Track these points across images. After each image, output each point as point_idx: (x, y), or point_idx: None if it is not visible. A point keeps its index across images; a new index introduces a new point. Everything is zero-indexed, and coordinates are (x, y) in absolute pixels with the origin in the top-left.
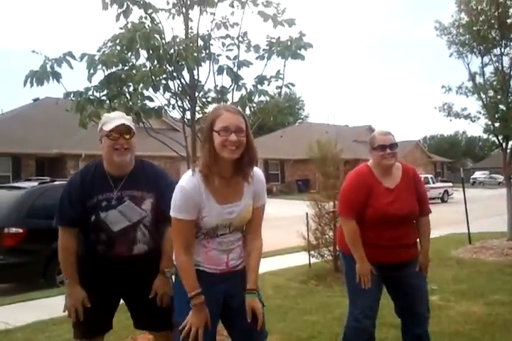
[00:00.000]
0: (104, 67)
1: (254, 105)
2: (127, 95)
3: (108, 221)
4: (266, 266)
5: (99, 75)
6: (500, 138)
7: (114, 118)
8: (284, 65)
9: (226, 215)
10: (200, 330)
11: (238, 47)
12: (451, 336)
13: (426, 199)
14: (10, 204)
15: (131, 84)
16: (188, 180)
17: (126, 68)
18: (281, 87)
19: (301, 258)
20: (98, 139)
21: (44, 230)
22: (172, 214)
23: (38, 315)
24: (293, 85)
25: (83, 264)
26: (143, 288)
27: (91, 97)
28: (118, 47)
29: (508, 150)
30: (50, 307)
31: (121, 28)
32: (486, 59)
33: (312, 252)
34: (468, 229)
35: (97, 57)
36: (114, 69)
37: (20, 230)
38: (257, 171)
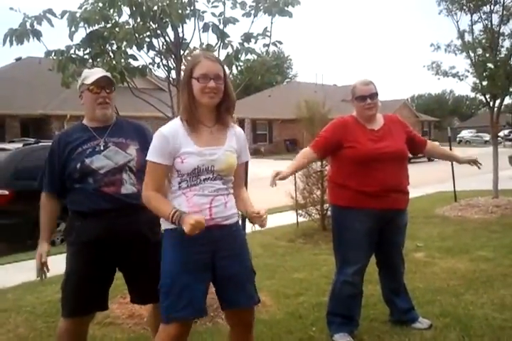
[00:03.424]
0: (85, 25)
1: (241, 64)
2: (110, 53)
3: (93, 165)
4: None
5: (81, 33)
6: (487, 96)
7: (95, 73)
8: (271, 23)
9: (207, 156)
10: (199, 218)
11: (224, 3)
12: (435, 292)
13: (417, 135)
14: None
15: (114, 42)
16: (168, 125)
17: (108, 26)
18: (268, 45)
19: (289, 218)
20: (78, 96)
21: (30, 192)
22: (147, 157)
23: (27, 276)
24: (280, 43)
25: (72, 225)
26: (140, 252)
27: (73, 56)
28: (100, 4)
29: (496, 109)
30: None
31: None
32: (476, 16)
33: (300, 211)
34: (454, 188)
35: (78, 15)
36: (96, 26)
37: (6, 192)
38: (237, 127)
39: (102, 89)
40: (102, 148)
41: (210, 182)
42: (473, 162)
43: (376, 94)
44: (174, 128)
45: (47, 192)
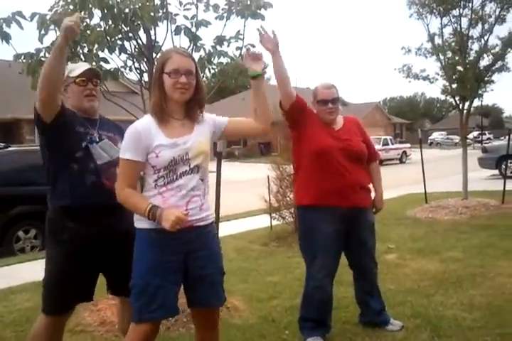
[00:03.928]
0: (56, 28)
1: (214, 67)
2: (81, 57)
3: (93, 152)
4: (227, 229)
5: (51, 36)
6: (457, 99)
7: (81, 66)
8: (244, 25)
9: (181, 145)
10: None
11: (196, 6)
12: (406, 293)
13: (372, 145)
14: None
15: (85, 45)
16: (140, 121)
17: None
18: (241, 48)
19: (263, 221)
20: (63, 89)
21: (0, 197)
22: (120, 154)
23: None
24: (253, 46)
25: (63, 224)
26: (127, 249)
27: (43, 59)
28: (71, 6)
29: (465, 111)
30: (8, 275)
31: None
32: (445, 20)
33: (273, 214)
34: (425, 189)
35: (48, 17)
36: None
37: None
38: (205, 114)
39: (88, 81)
40: (97, 138)
41: (187, 177)
42: (376, 210)
43: (337, 98)
44: (146, 123)
45: None
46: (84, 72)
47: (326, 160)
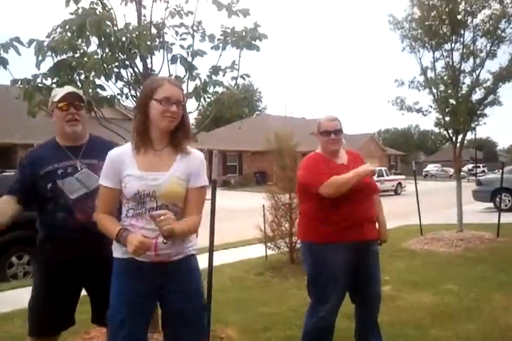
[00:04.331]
0: (53, 54)
1: (210, 96)
2: (78, 83)
3: (65, 188)
4: (223, 258)
5: (49, 62)
6: (450, 131)
7: (64, 90)
8: (239, 56)
9: (149, 181)
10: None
11: (193, 36)
12: (401, 325)
13: (373, 179)
14: None
15: (82, 71)
16: (117, 148)
17: (76, 55)
18: (236, 78)
19: (258, 250)
20: (49, 115)
21: None
22: (99, 180)
23: None
24: (248, 76)
25: (43, 246)
26: (106, 274)
27: (39, 85)
28: (68, 34)
29: (458, 144)
30: (1, 302)
31: (71, 14)
32: (438, 54)
33: (268, 244)
34: (420, 221)
35: (45, 44)
36: (64, 56)
37: None
38: (197, 152)
39: (70, 105)
40: (74, 170)
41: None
42: (381, 242)
43: (340, 130)
44: (122, 151)
45: (8, 194)
46: (65, 97)
47: (339, 197)
